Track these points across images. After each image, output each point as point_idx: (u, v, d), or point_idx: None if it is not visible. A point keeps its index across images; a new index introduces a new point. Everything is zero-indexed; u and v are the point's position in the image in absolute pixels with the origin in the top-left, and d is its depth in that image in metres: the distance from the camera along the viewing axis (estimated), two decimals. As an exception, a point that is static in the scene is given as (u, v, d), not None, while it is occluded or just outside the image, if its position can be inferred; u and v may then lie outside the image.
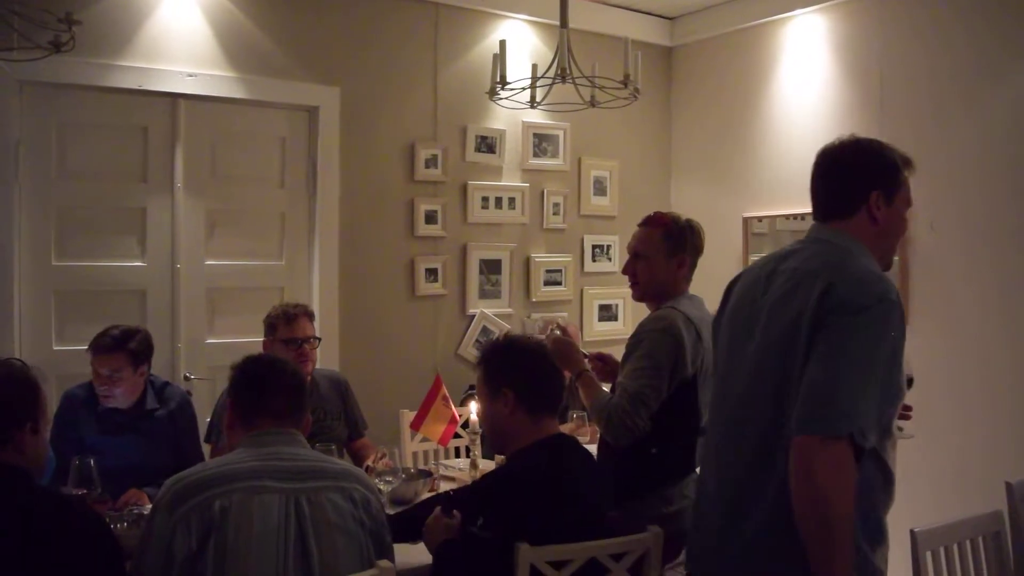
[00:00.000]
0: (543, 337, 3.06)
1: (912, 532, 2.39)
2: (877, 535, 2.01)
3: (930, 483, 4.06)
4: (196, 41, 4.30)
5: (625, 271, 3.11)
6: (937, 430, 4.04)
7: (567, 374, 2.81)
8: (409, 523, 2.61)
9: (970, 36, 4.43)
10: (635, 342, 2.87)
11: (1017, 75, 4.25)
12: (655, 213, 3.13)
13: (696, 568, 2.24)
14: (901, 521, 2.38)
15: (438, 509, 2.54)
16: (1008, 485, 2.72)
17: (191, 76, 4.28)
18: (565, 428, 3.77)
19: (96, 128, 4.18)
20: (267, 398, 2.32)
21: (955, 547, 2.47)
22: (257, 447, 2.23)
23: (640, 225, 3.11)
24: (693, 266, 3.09)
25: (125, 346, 3.28)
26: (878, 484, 2.03)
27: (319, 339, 3.77)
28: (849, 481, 1.88)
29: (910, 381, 2.16)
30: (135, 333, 3.34)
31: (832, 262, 2.06)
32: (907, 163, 2.21)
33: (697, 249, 3.09)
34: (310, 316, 3.73)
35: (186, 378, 4.37)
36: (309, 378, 3.70)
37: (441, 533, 2.48)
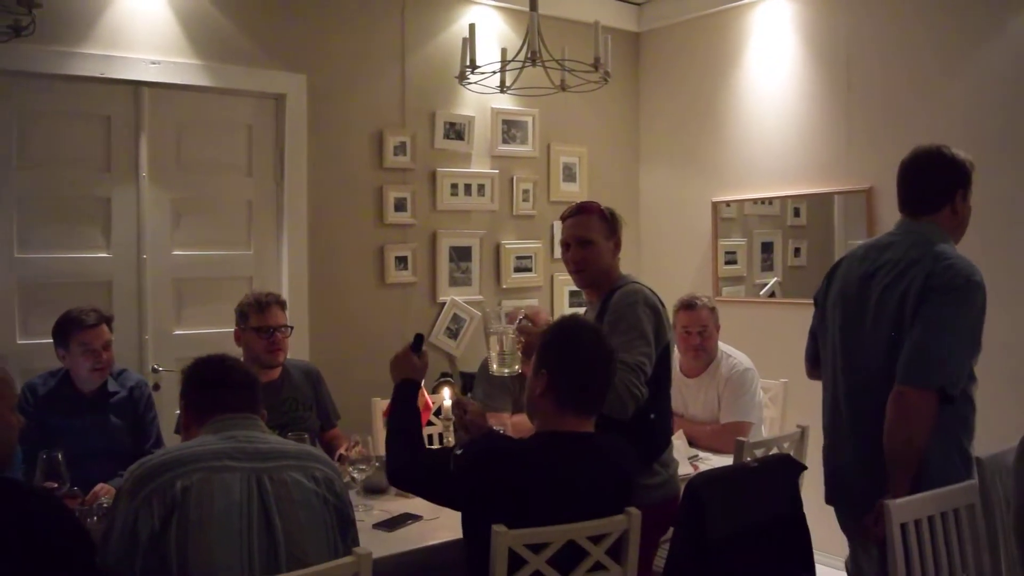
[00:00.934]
0: (512, 328, 3.04)
1: (885, 504, 2.41)
2: (970, 458, 2.66)
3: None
4: (159, 28, 4.23)
5: (573, 260, 3.11)
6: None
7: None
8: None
9: (934, 18, 4.47)
10: (616, 318, 2.88)
11: (980, 57, 4.29)
12: (583, 202, 3.19)
13: (838, 500, 2.91)
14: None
15: (407, 346, 2.76)
16: (978, 460, 2.75)
17: (155, 64, 4.21)
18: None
19: (58, 117, 4.10)
20: (222, 396, 2.34)
21: (926, 520, 2.49)
22: (216, 432, 2.25)
23: (572, 215, 3.13)
24: (620, 248, 3.17)
25: (106, 318, 3.43)
26: (970, 416, 2.68)
27: (291, 328, 3.74)
28: (931, 422, 2.53)
29: None
30: (98, 308, 3.46)
31: (931, 251, 2.63)
32: (973, 166, 2.77)
33: (621, 230, 3.17)
34: (282, 305, 3.71)
35: (154, 370, 4.31)
36: (281, 368, 3.69)
37: (404, 370, 2.72)
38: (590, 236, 3.06)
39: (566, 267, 3.19)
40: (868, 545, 2.73)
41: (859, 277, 2.81)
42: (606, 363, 2.52)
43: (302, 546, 2.14)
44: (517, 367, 3.01)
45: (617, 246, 3.12)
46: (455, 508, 2.51)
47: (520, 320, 3.04)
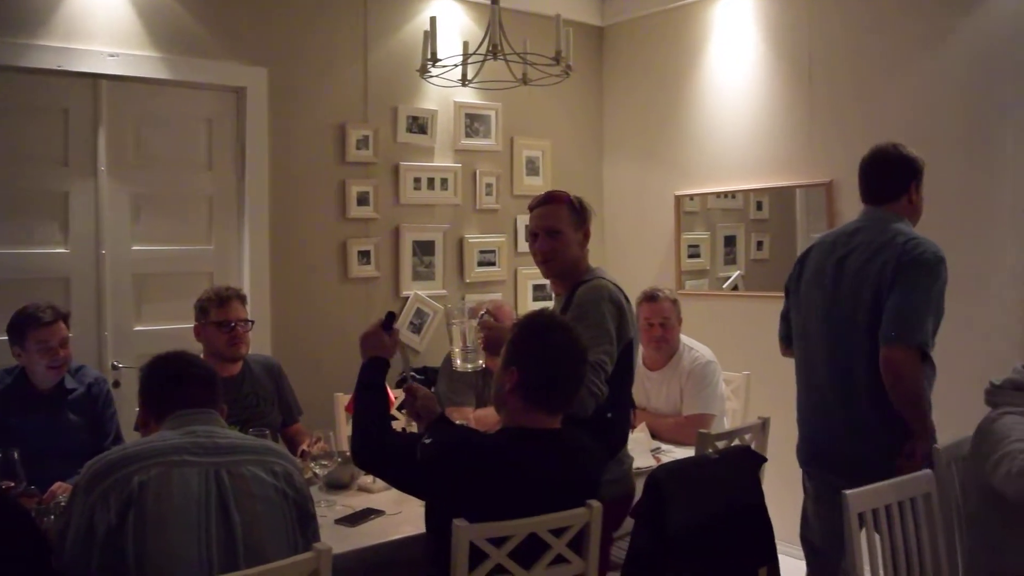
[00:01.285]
0: (474, 323, 3.03)
1: (843, 494, 2.44)
2: (931, 405, 2.98)
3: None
4: (118, 20, 4.17)
5: (541, 250, 3.06)
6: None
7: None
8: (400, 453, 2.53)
9: (894, 13, 4.51)
10: (579, 314, 2.85)
11: (942, 50, 4.34)
12: (551, 191, 3.13)
13: (815, 463, 3.21)
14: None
15: (378, 323, 2.73)
16: (935, 450, 2.79)
17: (113, 56, 4.16)
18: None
19: (14, 110, 4.03)
20: (183, 389, 2.33)
21: (883, 509, 2.52)
22: (176, 427, 2.23)
23: (540, 205, 3.08)
24: (589, 239, 3.12)
25: (62, 314, 3.38)
26: (931, 374, 2.99)
27: (252, 322, 3.73)
28: (922, 372, 2.89)
29: None
30: (55, 305, 3.41)
31: (900, 232, 3.01)
32: (924, 163, 3.17)
33: (590, 221, 3.11)
34: (242, 299, 3.69)
35: (114, 367, 4.26)
36: (241, 363, 3.67)
37: (373, 348, 2.69)
38: (558, 226, 3.01)
39: (533, 258, 3.13)
40: None
41: (834, 261, 3.13)
42: (577, 362, 2.50)
43: (260, 540, 2.13)
44: (481, 362, 2.99)
45: (586, 237, 3.07)
46: (418, 496, 2.50)
47: (482, 315, 3.03)
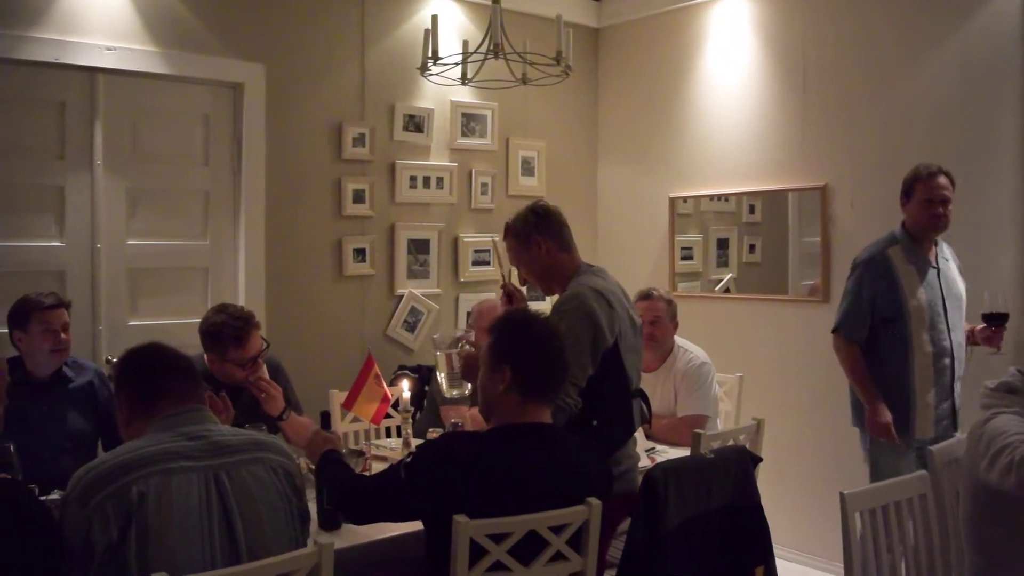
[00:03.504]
0: (455, 352, 3.11)
1: (841, 494, 2.46)
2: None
3: (856, 452, 4.15)
4: (115, 13, 4.17)
5: (522, 282, 3.27)
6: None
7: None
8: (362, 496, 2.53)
9: (890, 18, 4.54)
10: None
11: (935, 56, 4.37)
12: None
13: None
14: (835, 487, 2.54)
15: (316, 426, 2.89)
16: (929, 452, 2.82)
17: (110, 50, 4.15)
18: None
19: (10, 103, 4.01)
20: (161, 381, 2.24)
21: (880, 510, 2.55)
22: (167, 429, 2.15)
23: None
24: (557, 238, 3.11)
25: (64, 302, 3.39)
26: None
27: (268, 345, 3.63)
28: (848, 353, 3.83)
29: (1004, 316, 3.68)
30: (55, 292, 3.44)
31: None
32: (917, 177, 3.78)
33: (542, 223, 3.10)
34: (257, 326, 3.58)
35: (108, 361, 4.24)
36: None
37: (322, 446, 2.71)
38: (512, 256, 3.18)
39: None
40: None
41: None
42: (560, 349, 2.55)
43: (264, 543, 2.10)
44: (467, 389, 3.10)
45: (538, 246, 3.07)
46: (415, 518, 2.46)
47: (462, 345, 3.09)
